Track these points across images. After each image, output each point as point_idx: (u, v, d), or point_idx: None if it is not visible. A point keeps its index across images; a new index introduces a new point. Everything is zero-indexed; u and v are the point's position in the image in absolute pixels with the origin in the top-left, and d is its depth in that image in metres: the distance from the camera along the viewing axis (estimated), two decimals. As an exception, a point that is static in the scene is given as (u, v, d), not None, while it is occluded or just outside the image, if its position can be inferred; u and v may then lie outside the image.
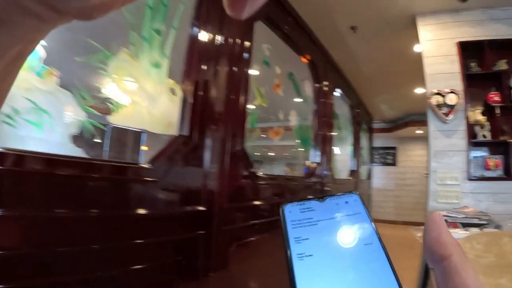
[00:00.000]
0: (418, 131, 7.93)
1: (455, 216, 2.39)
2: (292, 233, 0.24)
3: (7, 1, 0.16)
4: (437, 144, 3.10)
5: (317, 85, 3.72)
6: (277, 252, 1.86)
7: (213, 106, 1.94)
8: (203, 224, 1.81)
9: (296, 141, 3.80)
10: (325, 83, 3.87)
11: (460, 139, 3.06)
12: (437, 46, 3.20)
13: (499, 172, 3.05)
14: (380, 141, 8.41)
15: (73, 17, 0.17)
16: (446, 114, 3.04)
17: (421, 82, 5.23)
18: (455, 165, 3.06)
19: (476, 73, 3.07)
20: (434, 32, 3.22)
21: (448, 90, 3.07)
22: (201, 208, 1.79)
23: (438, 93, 3.08)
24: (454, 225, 2.31)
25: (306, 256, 0.22)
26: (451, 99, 3.04)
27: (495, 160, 3.04)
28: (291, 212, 0.25)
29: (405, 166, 8.59)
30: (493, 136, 3.01)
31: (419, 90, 5.73)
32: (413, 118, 7.42)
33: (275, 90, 3.37)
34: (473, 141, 3.03)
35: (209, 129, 1.88)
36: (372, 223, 0.24)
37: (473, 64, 3.09)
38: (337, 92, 4.56)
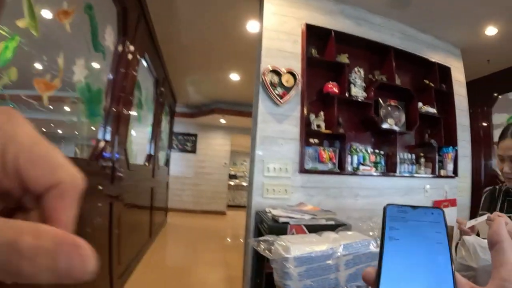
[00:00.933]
0: (222, 120, 7.93)
1: (298, 218, 1.93)
2: (389, 223, 0.36)
3: None
4: (266, 129, 2.65)
5: (120, 48, 2.73)
6: None
7: None
8: None
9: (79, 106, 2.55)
10: (132, 47, 2.90)
11: (293, 126, 2.73)
12: (281, 22, 2.82)
13: (332, 165, 2.57)
14: (180, 126, 8.04)
15: None
16: (281, 96, 2.55)
17: (238, 67, 4.79)
18: (285, 155, 2.69)
19: (318, 59, 2.85)
20: (281, 7, 2.86)
21: (285, 70, 2.56)
22: None
23: (274, 71, 2.57)
24: (298, 229, 1.83)
25: (394, 239, 0.35)
26: (288, 81, 2.62)
27: (329, 153, 2.56)
28: (391, 210, 0.38)
29: (205, 154, 8.55)
30: (328, 127, 2.80)
31: (234, 77, 5.40)
32: (220, 106, 7.22)
33: (60, 19, 2.15)
34: (307, 130, 2.73)
35: None
36: (447, 231, 0.35)
37: (314, 51, 2.88)
38: (144, 62, 3.64)
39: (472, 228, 1.24)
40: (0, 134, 0.17)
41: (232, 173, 10.48)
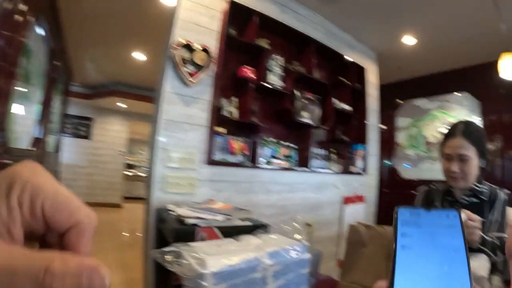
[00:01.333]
0: (120, 104, 7.23)
1: (210, 218, 1.66)
2: (400, 229, 0.34)
3: None
4: (171, 112, 2.36)
5: (8, 5, 2.18)
6: None
7: None
8: None
9: None
10: (24, 7, 2.36)
11: (201, 111, 2.47)
12: (201, -7, 2.53)
13: (243, 158, 2.37)
14: (74, 108, 7.12)
15: None
16: (191, 75, 2.23)
17: (146, 46, 4.32)
18: (191, 143, 2.42)
19: (237, 39, 2.65)
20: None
21: (200, 46, 2.31)
22: None
23: (187, 46, 2.31)
24: (209, 232, 1.52)
25: (407, 248, 0.32)
26: (201, 59, 2.38)
27: (241, 143, 2.35)
28: (403, 213, 0.35)
29: (100, 141, 7.75)
30: (241, 116, 2.61)
31: (139, 56, 4.87)
32: (120, 88, 6.52)
33: None
34: (218, 117, 2.51)
35: None
36: (464, 236, 0.32)
37: (233, 31, 2.66)
38: (39, 28, 3.05)
39: None
40: (28, 186, 0.22)
41: (130, 162, 9.77)
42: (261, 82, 2.67)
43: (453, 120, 4.67)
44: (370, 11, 3.21)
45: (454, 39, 3.66)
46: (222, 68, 2.51)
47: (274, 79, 2.76)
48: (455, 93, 4.63)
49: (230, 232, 1.38)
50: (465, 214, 1.16)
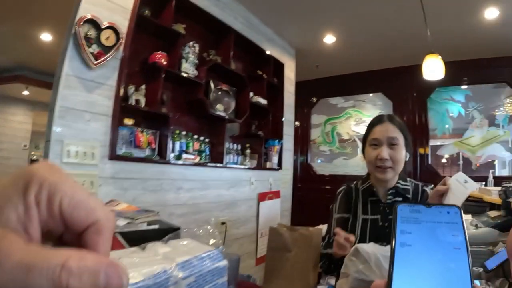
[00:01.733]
0: (25, 92, 6.40)
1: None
2: (400, 226, 0.34)
3: None
4: (70, 98, 2.09)
5: None
6: None
7: None
8: None
9: None
10: None
11: (105, 98, 2.24)
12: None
13: (151, 152, 2.23)
14: None
15: None
16: (96, 57, 2.06)
17: (55, 26, 3.89)
18: (92, 135, 2.17)
19: (151, 20, 2.47)
20: None
21: (107, 24, 2.14)
22: None
23: (93, 22, 2.12)
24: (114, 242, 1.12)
25: (406, 245, 0.33)
26: (109, 38, 2.23)
27: (148, 136, 2.21)
28: (402, 210, 0.35)
29: (1, 133, 6.84)
30: (150, 105, 2.45)
31: (46, 37, 4.27)
32: (26, 74, 5.70)
33: None
34: (124, 106, 2.29)
35: None
36: (465, 233, 0.33)
37: (147, 11, 2.47)
38: None
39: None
40: (46, 184, 0.22)
41: (34, 157, 8.79)
42: (174, 70, 2.53)
43: (367, 118, 5.14)
44: (292, 6, 3.27)
45: (374, 42, 3.95)
46: (131, 51, 2.30)
47: (188, 68, 2.64)
48: (370, 94, 5.05)
49: (136, 238, 1.24)
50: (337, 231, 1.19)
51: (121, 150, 2.29)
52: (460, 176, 0.96)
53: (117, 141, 2.22)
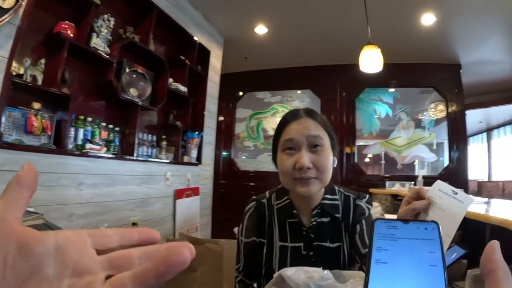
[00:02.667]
0: None
1: None
2: (376, 243, 0.35)
3: None
4: None
5: None
6: None
7: None
8: None
9: None
10: None
11: None
12: None
13: (46, 139, 2.03)
14: None
15: None
16: None
17: None
18: None
19: None
20: None
21: None
22: None
23: None
24: None
25: (382, 262, 0.33)
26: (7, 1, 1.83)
27: (43, 121, 2.00)
28: (380, 226, 0.36)
29: None
30: (48, 83, 2.17)
31: None
32: None
33: None
34: (16, 83, 2.00)
35: None
36: (442, 250, 0.34)
37: None
38: None
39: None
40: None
41: None
42: (81, 44, 2.30)
43: None
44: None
45: (308, 37, 4.07)
46: (32, 17, 2.02)
47: (99, 43, 2.42)
48: (298, 91, 5.21)
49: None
50: None
51: (11, 136, 2.00)
52: (444, 186, 0.71)
53: (5, 125, 1.94)
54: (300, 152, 0.98)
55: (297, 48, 4.44)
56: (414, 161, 4.83)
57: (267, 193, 1.18)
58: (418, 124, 4.84)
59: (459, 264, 1.64)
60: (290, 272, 0.82)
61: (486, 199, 2.78)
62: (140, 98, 2.76)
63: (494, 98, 6.45)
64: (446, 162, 4.78)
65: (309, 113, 1.05)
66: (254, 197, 1.19)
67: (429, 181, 3.58)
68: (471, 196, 0.70)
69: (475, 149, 9.19)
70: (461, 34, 3.98)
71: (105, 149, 2.49)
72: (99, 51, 2.43)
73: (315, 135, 0.99)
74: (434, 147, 4.80)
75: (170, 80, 3.12)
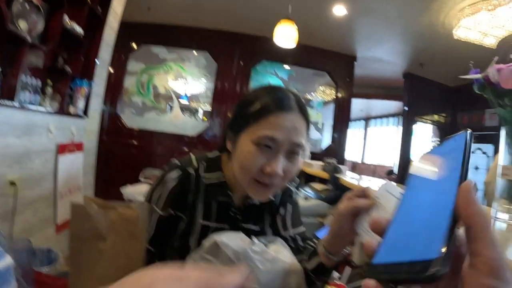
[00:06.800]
0: None
1: None
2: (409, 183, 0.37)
3: None
4: None
5: None
6: None
7: None
8: None
9: None
10: None
11: None
12: None
13: None
14: None
15: None
16: None
17: None
18: None
19: None
20: None
21: None
22: None
23: None
24: None
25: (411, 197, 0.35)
26: None
27: None
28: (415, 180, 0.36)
29: None
30: None
31: None
32: None
33: None
34: None
35: None
36: (464, 157, 0.28)
37: None
38: None
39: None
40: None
41: None
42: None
43: (189, 76, 5.08)
44: None
45: None
46: None
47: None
48: (195, 51, 4.99)
49: None
50: None
51: None
52: (392, 188, 0.65)
53: None
54: (276, 156, 0.83)
55: (204, 7, 4.23)
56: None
57: (194, 160, 0.98)
58: (307, 103, 5.19)
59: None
60: (225, 237, 0.76)
61: (359, 176, 3.27)
62: (30, 33, 2.21)
63: (377, 92, 7.44)
64: (328, 141, 5.34)
65: (302, 107, 0.89)
66: (177, 162, 0.98)
67: (311, 155, 3.95)
68: None
69: (354, 133, 10.53)
70: (363, 32, 4.45)
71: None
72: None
73: (299, 143, 0.86)
74: (320, 126, 5.29)
75: (66, 17, 2.57)
